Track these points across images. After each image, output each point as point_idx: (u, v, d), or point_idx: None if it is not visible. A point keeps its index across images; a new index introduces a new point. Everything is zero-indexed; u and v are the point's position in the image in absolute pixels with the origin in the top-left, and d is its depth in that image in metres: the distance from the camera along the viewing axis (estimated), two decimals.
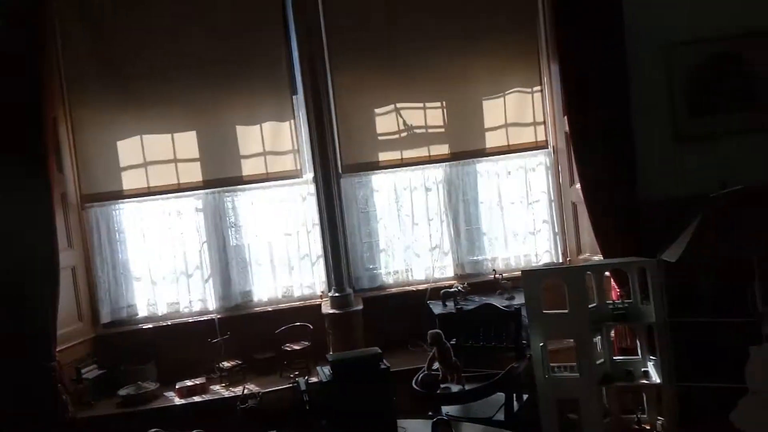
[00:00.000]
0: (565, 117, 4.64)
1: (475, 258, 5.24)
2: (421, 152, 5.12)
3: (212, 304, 5.12)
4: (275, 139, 5.10)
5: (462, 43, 5.01)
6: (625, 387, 3.92)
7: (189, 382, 4.60)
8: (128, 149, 5.02)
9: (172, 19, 4.96)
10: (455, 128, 5.11)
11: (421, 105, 5.10)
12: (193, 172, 5.06)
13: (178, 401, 4.50)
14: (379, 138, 5.12)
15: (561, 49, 4.48)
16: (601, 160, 4.37)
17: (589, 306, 3.82)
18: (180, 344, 4.88)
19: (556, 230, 5.21)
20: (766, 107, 4.30)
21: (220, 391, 4.60)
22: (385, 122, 5.11)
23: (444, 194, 5.20)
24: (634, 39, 4.35)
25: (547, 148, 5.17)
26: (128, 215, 5.11)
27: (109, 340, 4.93)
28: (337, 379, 2.97)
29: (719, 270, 3.96)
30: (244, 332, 4.92)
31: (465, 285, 4.78)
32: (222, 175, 5.07)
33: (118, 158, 5.01)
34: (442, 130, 5.12)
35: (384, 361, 3.04)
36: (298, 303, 5.14)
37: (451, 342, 3.87)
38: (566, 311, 3.79)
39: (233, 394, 4.39)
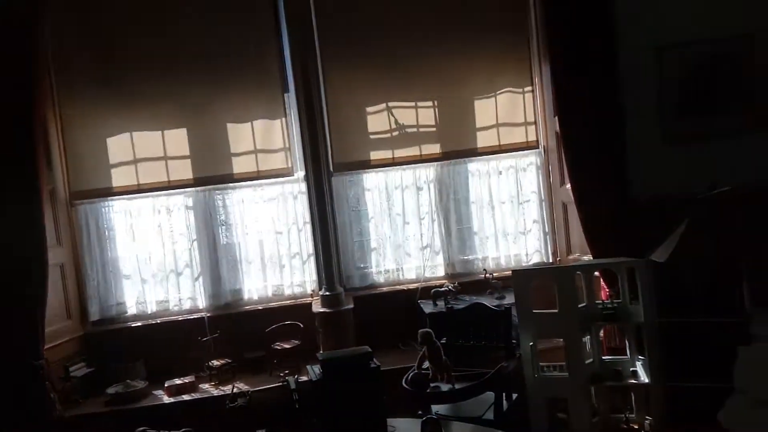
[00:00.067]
0: (556, 117, 4.65)
1: (465, 257, 5.26)
2: (413, 151, 5.13)
3: (202, 303, 5.10)
4: (266, 136, 5.09)
5: (454, 43, 5.04)
6: (613, 386, 3.94)
7: (178, 381, 4.59)
8: (118, 146, 5.00)
9: (162, 16, 4.94)
10: (446, 127, 5.13)
11: (412, 104, 5.11)
12: (184, 170, 5.04)
13: (166, 399, 4.48)
14: (371, 137, 5.12)
15: (552, 50, 4.50)
16: (591, 161, 4.39)
17: (579, 306, 3.83)
18: (169, 342, 4.87)
19: (547, 230, 5.24)
20: (755, 108, 4.33)
21: (209, 389, 4.58)
22: (377, 121, 5.11)
23: (435, 193, 5.21)
24: (625, 40, 4.38)
25: (538, 148, 5.20)
26: (118, 212, 5.08)
27: (98, 338, 4.91)
28: (328, 378, 2.97)
29: (708, 270, 3.99)
30: (234, 331, 4.91)
31: (455, 284, 4.80)
32: (213, 173, 5.06)
33: (107, 155, 4.99)
34: (434, 129, 5.14)
35: (374, 360, 3.04)
36: (288, 301, 5.13)
37: (442, 341, 3.87)
38: (556, 311, 3.81)
39: (222, 393, 4.40)
